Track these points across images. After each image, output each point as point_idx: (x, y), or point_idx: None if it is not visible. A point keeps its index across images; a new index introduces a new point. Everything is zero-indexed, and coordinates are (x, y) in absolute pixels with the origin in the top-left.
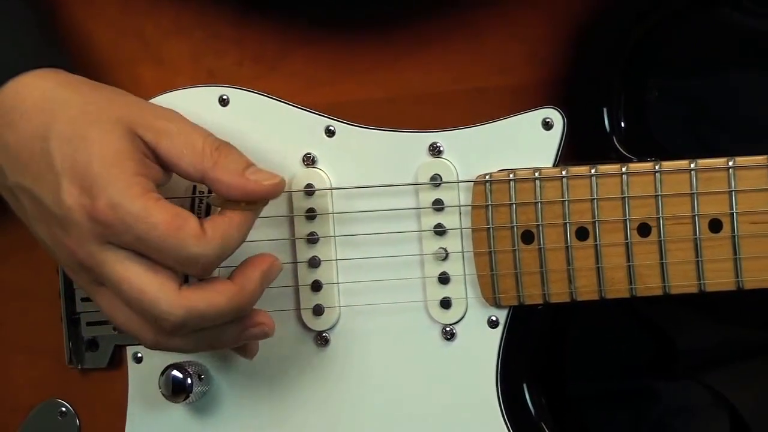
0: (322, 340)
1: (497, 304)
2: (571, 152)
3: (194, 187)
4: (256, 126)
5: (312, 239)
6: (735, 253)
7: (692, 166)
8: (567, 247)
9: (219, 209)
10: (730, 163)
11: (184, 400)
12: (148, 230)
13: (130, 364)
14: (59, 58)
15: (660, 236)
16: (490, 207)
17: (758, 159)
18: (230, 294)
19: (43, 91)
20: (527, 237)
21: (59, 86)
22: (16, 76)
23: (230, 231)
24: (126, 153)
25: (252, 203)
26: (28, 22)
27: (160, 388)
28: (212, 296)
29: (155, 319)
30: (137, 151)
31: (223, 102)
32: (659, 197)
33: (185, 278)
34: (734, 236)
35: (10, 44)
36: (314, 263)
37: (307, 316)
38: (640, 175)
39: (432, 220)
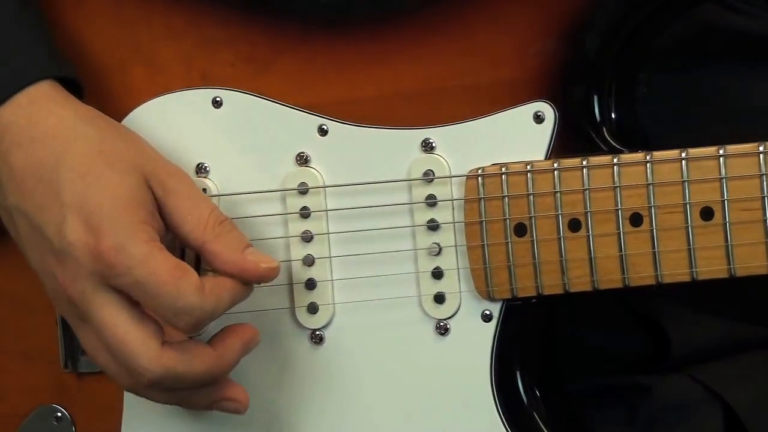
0: (316, 338)
1: (491, 298)
2: (562, 145)
3: None
4: (250, 126)
5: (306, 237)
6: (727, 241)
7: (683, 155)
8: (559, 239)
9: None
10: (721, 152)
11: None
12: (148, 275)
13: None
14: (69, 68)
15: (652, 225)
16: (482, 200)
17: (748, 147)
18: (210, 361)
19: (60, 118)
20: (520, 229)
21: (76, 117)
22: (28, 86)
23: (224, 294)
24: (138, 200)
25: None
26: (38, 31)
27: None
28: (192, 360)
29: (132, 371)
30: (148, 201)
31: (217, 104)
32: (651, 186)
33: None
34: (726, 224)
35: (21, 53)
36: (308, 261)
37: (302, 315)
38: (632, 166)
39: (425, 215)
